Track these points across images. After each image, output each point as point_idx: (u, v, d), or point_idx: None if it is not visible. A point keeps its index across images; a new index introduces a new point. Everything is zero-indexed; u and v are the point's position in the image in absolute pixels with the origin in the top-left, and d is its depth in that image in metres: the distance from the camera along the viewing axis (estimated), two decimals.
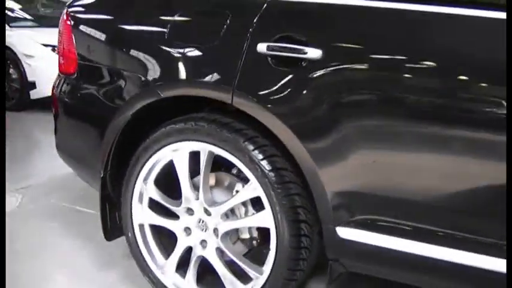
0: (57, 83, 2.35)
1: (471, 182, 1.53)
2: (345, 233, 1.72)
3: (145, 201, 2.07)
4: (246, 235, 1.98)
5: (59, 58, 2.30)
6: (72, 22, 2.18)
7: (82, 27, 2.17)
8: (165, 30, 1.89)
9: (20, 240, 2.71)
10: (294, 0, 1.76)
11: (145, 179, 2.02)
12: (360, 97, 1.61)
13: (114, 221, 2.23)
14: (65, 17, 2.24)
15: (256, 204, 1.93)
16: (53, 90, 2.37)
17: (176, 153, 1.94)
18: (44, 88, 5.24)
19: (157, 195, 2.03)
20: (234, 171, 2.02)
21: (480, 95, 1.49)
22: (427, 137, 1.54)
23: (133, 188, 2.05)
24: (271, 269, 1.85)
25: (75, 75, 2.18)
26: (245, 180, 1.95)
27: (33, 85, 5.04)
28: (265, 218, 1.82)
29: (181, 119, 1.92)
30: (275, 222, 1.80)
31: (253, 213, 1.93)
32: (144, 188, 2.04)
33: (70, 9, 2.25)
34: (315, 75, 1.63)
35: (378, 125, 1.59)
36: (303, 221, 1.80)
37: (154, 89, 1.89)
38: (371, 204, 1.67)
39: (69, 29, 2.18)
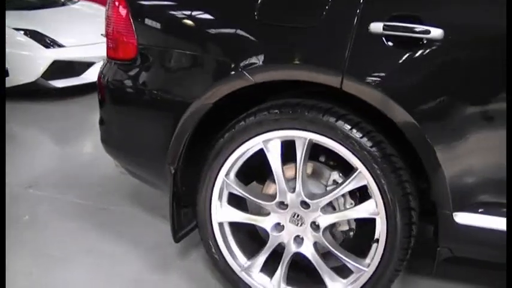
0: (104, 69, 2.12)
1: None
2: (463, 218, 1.64)
3: (225, 197, 1.91)
4: (345, 227, 1.86)
5: (108, 43, 2.06)
6: (129, 2, 1.95)
7: (144, 7, 1.96)
8: (254, 8, 1.71)
9: (52, 245, 2.46)
10: None
11: (228, 174, 1.86)
12: (480, 78, 1.53)
13: (180, 220, 2.06)
14: (112, 2, 2.00)
15: (352, 194, 1.83)
16: (99, 79, 2.13)
17: (268, 143, 1.78)
18: (18, 75, 4.83)
19: (242, 190, 1.88)
20: (322, 159, 1.89)
21: None
22: None
23: (214, 183, 1.89)
24: (380, 261, 1.75)
25: (135, 61, 1.95)
26: (338, 169, 1.84)
27: (5, 73, 4.63)
28: (372, 208, 1.71)
29: (271, 105, 1.77)
30: (386, 212, 1.69)
31: (352, 204, 1.82)
32: (226, 183, 1.87)
33: None
34: (436, 56, 1.53)
35: (496, 108, 1.54)
36: (413, 208, 1.71)
37: (243, 73, 1.72)
38: (488, 186, 1.61)
39: (125, 10, 1.95)
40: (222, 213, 1.93)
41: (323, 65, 1.65)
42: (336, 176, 1.84)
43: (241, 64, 1.73)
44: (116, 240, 2.50)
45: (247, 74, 1.72)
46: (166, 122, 1.92)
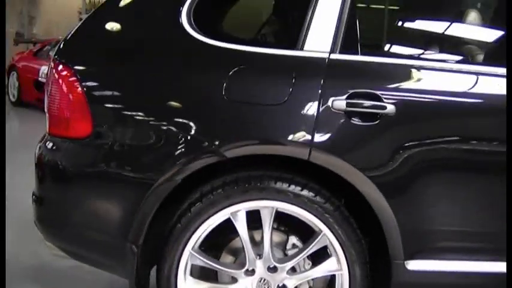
0: (46, 147, 1.99)
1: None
2: (414, 265, 1.91)
3: (188, 270, 1.93)
4: (305, 286, 2.00)
5: (52, 119, 1.96)
6: (79, 75, 1.89)
7: (101, 83, 1.92)
8: (223, 88, 1.81)
9: None
10: (355, 60, 1.89)
11: (193, 247, 1.89)
12: (431, 147, 1.84)
13: None
14: (61, 68, 1.92)
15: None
16: (40, 157, 2.00)
17: (237, 214, 1.87)
18: None
19: (208, 262, 1.92)
20: (275, 226, 2.02)
21: None
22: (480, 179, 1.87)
23: (180, 257, 1.90)
24: None
25: (90, 138, 1.89)
26: (293, 233, 1.99)
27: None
28: (334, 265, 1.90)
29: (237, 178, 1.86)
30: (348, 267, 1.89)
31: (309, 264, 1.98)
32: (191, 256, 1.90)
33: (67, 57, 1.96)
34: (389, 129, 1.81)
35: (447, 172, 1.87)
36: (367, 262, 1.93)
37: (217, 149, 1.80)
38: (437, 234, 1.91)
39: (77, 88, 1.89)
40: (187, 286, 1.93)
41: (292, 139, 1.81)
42: (294, 240, 1.99)
43: (215, 141, 1.81)
44: None
45: (220, 150, 1.80)
46: (127, 200, 1.89)
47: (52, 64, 1.99)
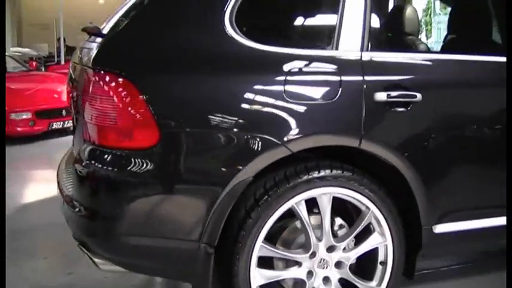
0: (99, 159, 1.98)
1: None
2: (439, 228, 2.26)
3: (255, 261, 2.06)
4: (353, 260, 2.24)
5: (103, 130, 1.96)
6: (137, 81, 1.90)
7: (161, 88, 1.95)
8: (281, 90, 1.98)
9: None
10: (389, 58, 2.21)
11: (264, 239, 2.03)
12: (452, 125, 2.22)
13: None
14: (111, 77, 1.91)
15: None
16: (94, 172, 1.97)
17: (300, 203, 2.05)
18: None
19: (279, 251, 2.08)
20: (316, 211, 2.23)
21: None
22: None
23: (252, 251, 2.02)
24: (389, 280, 2.22)
25: (157, 147, 1.92)
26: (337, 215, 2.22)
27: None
28: (378, 239, 2.19)
29: (298, 170, 2.05)
30: (393, 239, 2.18)
31: (353, 241, 2.22)
32: (260, 248, 2.04)
33: (115, 65, 1.95)
34: (418, 114, 2.14)
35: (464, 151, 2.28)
36: (402, 231, 2.24)
37: (284, 145, 1.97)
38: (455, 203, 2.30)
39: (131, 90, 1.89)
40: (259, 277, 2.06)
41: (345, 131, 2.07)
42: (340, 221, 2.22)
43: (282, 138, 1.97)
44: None
45: (287, 146, 1.97)
46: (200, 203, 1.95)
47: (92, 73, 1.97)
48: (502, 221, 2.29)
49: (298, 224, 2.13)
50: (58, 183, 2.37)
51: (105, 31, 2.12)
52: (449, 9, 3.02)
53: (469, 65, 2.30)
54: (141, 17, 2.09)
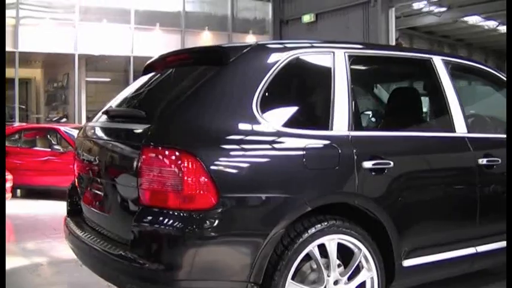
0: (162, 218, 2.47)
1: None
2: (406, 262, 3.00)
3: None
4: None
5: (167, 194, 2.46)
6: (202, 159, 2.44)
7: (218, 158, 2.50)
8: (303, 159, 2.65)
9: None
10: (368, 135, 2.97)
11: (292, 277, 2.62)
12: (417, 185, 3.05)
13: None
14: (175, 156, 2.44)
15: None
16: (158, 232, 2.46)
17: (315, 248, 2.68)
18: None
19: (300, 286, 2.66)
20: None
21: None
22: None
23: (284, 287, 2.59)
24: None
25: (216, 208, 2.45)
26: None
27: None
28: (366, 274, 2.87)
29: (313, 222, 2.69)
30: (377, 271, 2.88)
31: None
32: (289, 285, 2.61)
33: (176, 142, 2.49)
34: (391, 176, 2.92)
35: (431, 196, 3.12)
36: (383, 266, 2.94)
37: (306, 203, 2.61)
38: (419, 242, 3.07)
39: (199, 167, 2.44)
40: None
41: (348, 192, 2.77)
42: (338, 261, 2.86)
43: (304, 198, 2.62)
44: None
45: (308, 204, 2.62)
46: (250, 250, 2.51)
47: (152, 150, 2.50)
48: (457, 253, 3.15)
49: (312, 264, 2.74)
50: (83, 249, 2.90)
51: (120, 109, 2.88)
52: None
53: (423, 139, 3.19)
54: (188, 103, 2.65)
